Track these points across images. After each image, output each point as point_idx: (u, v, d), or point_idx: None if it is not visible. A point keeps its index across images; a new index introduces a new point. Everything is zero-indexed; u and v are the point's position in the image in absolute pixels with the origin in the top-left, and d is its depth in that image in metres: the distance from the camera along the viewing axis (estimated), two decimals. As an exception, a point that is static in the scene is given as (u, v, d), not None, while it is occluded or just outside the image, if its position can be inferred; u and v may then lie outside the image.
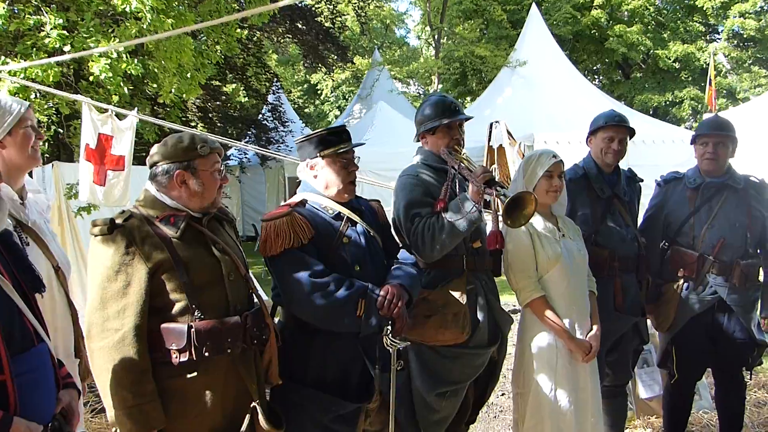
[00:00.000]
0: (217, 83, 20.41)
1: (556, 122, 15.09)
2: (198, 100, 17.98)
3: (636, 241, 4.11)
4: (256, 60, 20.92)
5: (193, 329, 2.61)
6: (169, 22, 9.22)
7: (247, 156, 20.94)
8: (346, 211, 3.14)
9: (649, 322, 4.38)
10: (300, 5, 20.69)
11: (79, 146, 6.22)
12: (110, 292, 2.57)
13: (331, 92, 39.54)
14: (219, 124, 18.77)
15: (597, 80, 30.26)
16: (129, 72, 9.07)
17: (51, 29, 8.59)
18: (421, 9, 23.73)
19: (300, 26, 20.80)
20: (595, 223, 4.05)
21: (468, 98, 24.77)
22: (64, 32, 8.68)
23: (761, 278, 4.27)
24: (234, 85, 22.06)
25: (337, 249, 3.06)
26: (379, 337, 2.97)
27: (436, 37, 22.49)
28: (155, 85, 11.01)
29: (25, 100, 8.24)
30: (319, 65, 22.60)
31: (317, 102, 41.37)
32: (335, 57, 22.31)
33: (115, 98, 9.12)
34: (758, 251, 4.21)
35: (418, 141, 3.74)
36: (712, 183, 4.19)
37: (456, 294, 3.40)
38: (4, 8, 8.40)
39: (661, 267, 4.31)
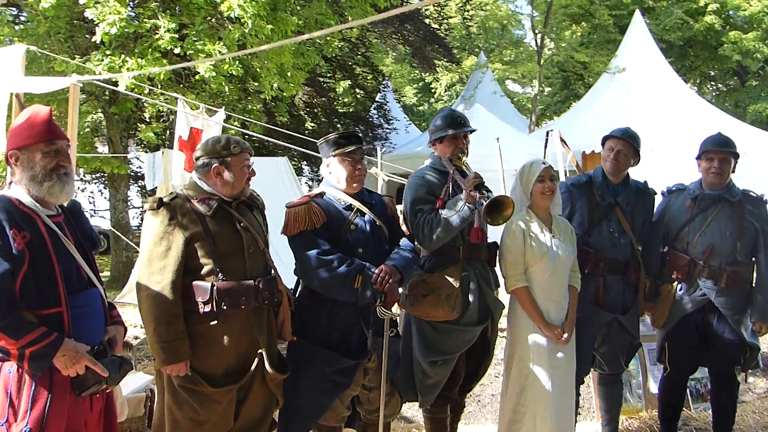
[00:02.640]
0: (327, 80, 21.45)
1: (650, 131, 15.14)
2: (305, 96, 19.02)
3: (630, 247, 4.57)
4: (364, 59, 21.83)
5: (215, 287, 3.37)
6: (269, 27, 10.09)
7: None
8: (356, 203, 3.82)
9: (648, 320, 4.83)
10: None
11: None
12: (155, 253, 3.36)
13: (445, 91, 40.16)
14: (323, 119, 19.74)
15: (712, 87, 29.57)
16: (230, 72, 9.99)
17: (164, 32, 9.59)
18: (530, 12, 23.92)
19: (408, 27, 21.51)
20: (589, 227, 4.56)
21: (573, 103, 24.84)
22: (175, 35, 9.68)
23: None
24: (343, 83, 23.07)
25: (345, 234, 3.75)
26: (373, 308, 3.64)
27: (539, 41, 22.68)
28: (257, 84, 12.03)
29: (139, 94, 9.36)
30: (426, 66, 23.21)
31: (432, 100, 42.04)
32: (442, 58, 22.92)
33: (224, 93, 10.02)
34: (752, 259, 4.60)
35: (431, 147, 4.36)
36: (708, 195, 4.60)
37: (451, 279, 4.02)
38: (126, 13, 9.46)
39: (660, 269, 4.76)
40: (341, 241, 3.73)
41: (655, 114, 15.86)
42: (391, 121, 22.28)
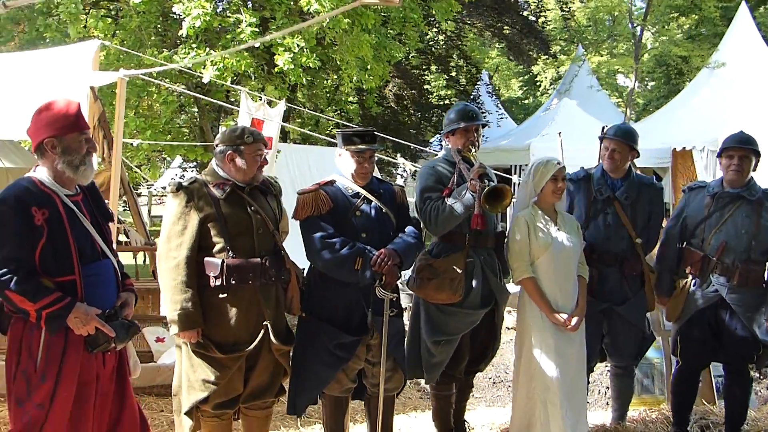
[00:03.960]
0: (422, 73, 21.74)
1: (749, 127, 14.66)
2: (395, 88, 19.38)
3: (628, 240, 4.67)
4: (459, 52, 21.99)
5: (225, 263, 3.75)
6: (346, 21, 10.47)
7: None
8: (363, 192, 4.12)
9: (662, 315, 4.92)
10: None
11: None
12: (173, 231, 3.76)
13: (550, 84, 39.73)
14: (413, 111, 20.05)
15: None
16: (307, 65, 10.43)
17: (246, 26, 10.11)
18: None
19: (506, 19, 21.51)
20: (586, 220, 4.70)
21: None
22: (257, 30, 10.18)
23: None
24: (438, 76, 23.33)
25: (350, 219, 4.06)
26: (372, 288, 3.94)
27: (638, 34, 22.21)
28: (336, 77, 12.45)
29: (222, 84, 9.92)
30: (522, 59, 23.15)
31: (537, 93, 41.68)
32: (539, 51, 22.79)
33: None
34: None
35: (445, 139, 4.60)
36: (727, 193, 4.65)
37: (455, 264, 4.26)
38: (210, 8, 10.03)
39: (677, 264, 4.84)
40: (347, 225, 4.05)
41: (755, 110, 15.33)
42: (485, 115, 22.32)
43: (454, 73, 22.72)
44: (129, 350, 3.57)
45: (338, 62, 11.64)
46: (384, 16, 12.97)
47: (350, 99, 18.51)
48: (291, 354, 4.11)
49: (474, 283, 4.29)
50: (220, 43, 10.61)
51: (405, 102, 20.22)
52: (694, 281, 4.73)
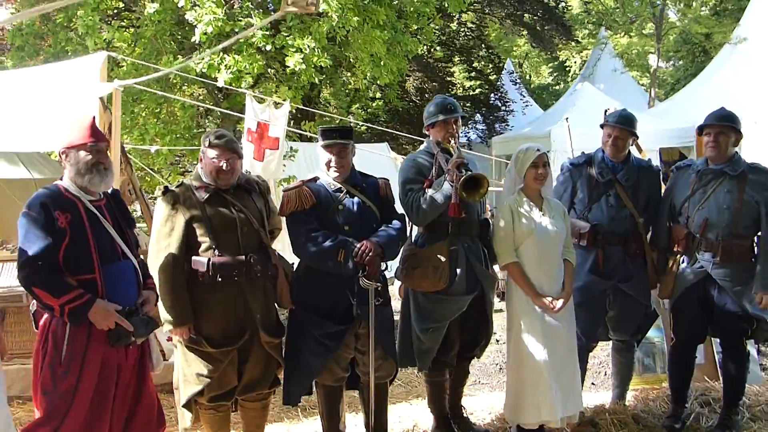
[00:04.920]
0: (445, 65, 21.80)
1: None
2: (417, 81, 19.47)
3: (630, 220, 4.76)
4: (480, 42, 22.01)
5: (211, 261, 3.92)
6: (355, 19, 10.59)
7: (468, 137, 22.11)
8: (345, 186, 4.25)
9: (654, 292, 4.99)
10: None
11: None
12: (162, 233, 3.95)
13: (579, 69, 39.44)
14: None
15: None
16: (319, 65, 10.58)
17: (257, 29, 10.26)
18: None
19: (527, 7, 21.46)
20: (589, 202, 4.79)
21: (702, 76, 23.88)
22: (267, 32, 10.35)
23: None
24: (461, 67, 23.36)
25: (333, 214, 4.20)
26: (356, 279, 4.07)
27: (658, 14, 21.91)
28: (349, 74, 12.58)
29: (238, 87, 10.12)
30: (543, 46, 23.07)
31: (567, 79, 41.40)
32: (561, 37, 22.70)
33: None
34: (757, 232, 4.66)
35: (426, 132, 4.71)
36: (709, 170, 4.70)
37: (439, 252, 4.38)
38: (223, 12, 10.22)
39: (667, 242, 4.91)
40: (330, 219, 4.19)
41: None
42: (508, 103, 22.34)
43: (476, 64, 22.72)
44: (152, 345, 3.80)
45: (351, 60, 11.75)
46: (398, 11, 13.03)
47: (376, 95, 18.66)
48: (283, 346, 4.27)
49: (458, 270, 4.40)
50: (234, 47, 10.78)
51: (427, 95, 20.28)
52: (683, 259, 4.79)
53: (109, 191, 3.78)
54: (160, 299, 3.89)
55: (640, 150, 7.67)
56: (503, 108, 22.56)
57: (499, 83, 23.12)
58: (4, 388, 3.26)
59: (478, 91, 23.31)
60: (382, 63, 12.06)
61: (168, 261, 3.90)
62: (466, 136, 22.90)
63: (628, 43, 24.40)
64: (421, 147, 4.73)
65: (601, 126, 4.93)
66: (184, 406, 4.09)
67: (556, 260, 4.48)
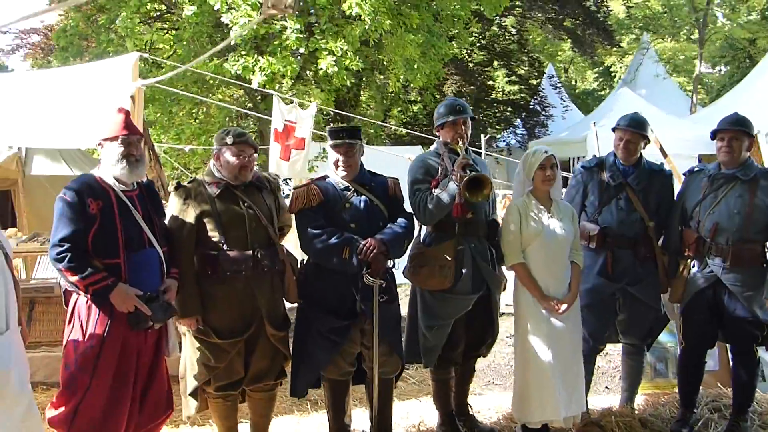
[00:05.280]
0: (483, 68, 21.81)
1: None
2: (455, 85, 19.51)
3: (641, 223, 4.77)
4: (519, 47, 21.96)
5: (220, 256, 4.05)
6: (388, 23, 10.72)
7: (508, 141, 22.10)
8: (353, 185, 4.36)
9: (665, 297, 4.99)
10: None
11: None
12: (174, 227, 4.08)
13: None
14: (471, 108, 20.06)
15: None
16: (351, 67, 10.73)
17: (291, 32, 10.47)
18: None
19: (568, 11, 21.37)
20: (600, 205, 4.82)
21: (749, 82, 23.50)
22: (301, 35, 10.54)
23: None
24: (502, 72, 23.34)
25: (340, 211, 4.30)
26: (360, 275, 4.17)
27: (702, 19, 21.66)
28: (382, 77, 12.71)
29: (272, 90, 10.31)
30: (584, 50, 22.94)
31: (612, 84, 41.07)
32: (602, 42, 22.55)
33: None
34: None
35: (436, 132, 4.79)
36: (721, 174, 4.70)
37: (446, 252, 4.45)
38: (256, 16, 10.42)
39: (679, 246, 4.91)
40: (337, 217, 4.29)
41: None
42: (547, 108, 22.27)
43: (517, 69, 22.68)
44: (170, 331, 4.00)
45: (385, 63, 11.89)
46: (434, 14, 13.14)
47: (417, 99, 18.77)
48: (292, 340, 4.39)
49: (464, 270, 4.46)
50: (268, 49, 11.00)
51: (464, 99, 20.31)
52: (693, 263, 4.79)
53: (144, 182, 4.03)
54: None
55: (664, 155, 7.65)
56: (543, 113, 22.49)
57: (539, 88, 23.04)
58: (27, 371, 3.43)
59: (518, 96, 23.25)
60: (415, 66, 12.19)
61: (179, 254, 4.04)
62: (505, 141, 22.92)
63: (671, 48, 24.17)
64: (431, 148, 4.80)
65: (613, 130, 4.95)
66: (190, 394, 4.22)
67: (563, 262, 4.52)
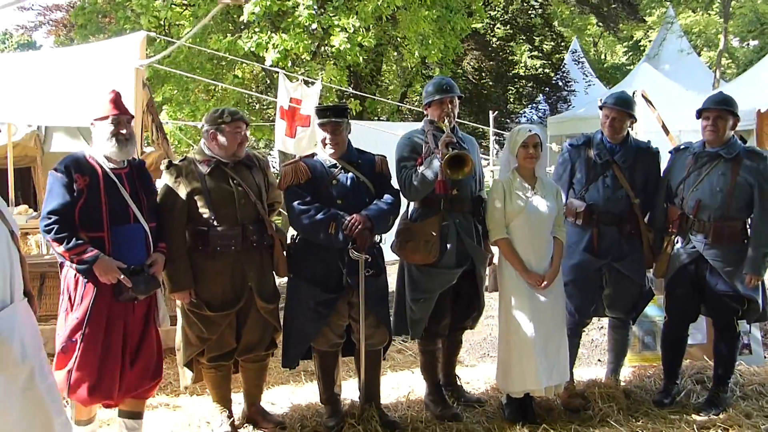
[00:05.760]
0: (505, 44, 21.73)
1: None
2: (474, 60, 19.47)
3: (626, 200, 4.86)
4: (542, 21, 21.83)
5: (210, 231, 4.22)
6: (400, -1, 10.75)
7: (529, 118, 22.04)
8: (340, 163, 4.49)
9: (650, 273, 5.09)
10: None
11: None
12: (165, 204, 4.26)
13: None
14: (491, 83, 20.08)
15: None
16: (363, 44, 10.80)
17: (303, 9, 10.56)
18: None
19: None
20: (587, 183, 4.91)
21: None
22: (313, 11, 10.62)
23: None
24: (524, 46, 23.22)
25: (327, 188, 4.44)
26: (346, 250, 4.32)
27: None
28: (395, 53, 12.77)
29: (283, 68, 10.43)
30: (606, 24, 22.73)
31: (641, 58, 40.58)
32: (626, 15, 22.30)
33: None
34: (750, 214, 4.72)
35: (425, 111, 4.91)
36: (705, 152, 4.78)
37: (431, 227, 4.58)
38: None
39: (663, 223, 5.00)
40: (324, 193, 4.43)
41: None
42: (570, 84, 22.14)
43: (541, 45, 22.56)
44: (159, 302, 4.21)
45: (399, 39, 11.94)
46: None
47: (436, 74, 18.75)
48: (283, 312, 4.56)
49: (449, 245, 4.60)
50: (282, 26, 11.11)
51: (484, 74, 20.28)
52: (677, 239, 4.88)
53: (135, 161, 4.19)
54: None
55: (666, 132, 7.69)
56: (566, 88, 22.37)
57: (562, 63, 22.90)
58: (35, 344, 3.57)
59: (540, 71, 23.13)
60: (430, 42, 12.22)
61: (171, 230, 4.21)
62: (528, 117, 22.82)
63: (696, 22, 23.86)
64: (419, 126, 4.92)
65: (600, 108, 5.02)
66: (185, 365, 4.42)
67: (545, 238, 4.64)
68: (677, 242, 4.89)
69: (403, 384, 5.32)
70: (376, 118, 14.69)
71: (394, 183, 4.70)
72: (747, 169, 4.68)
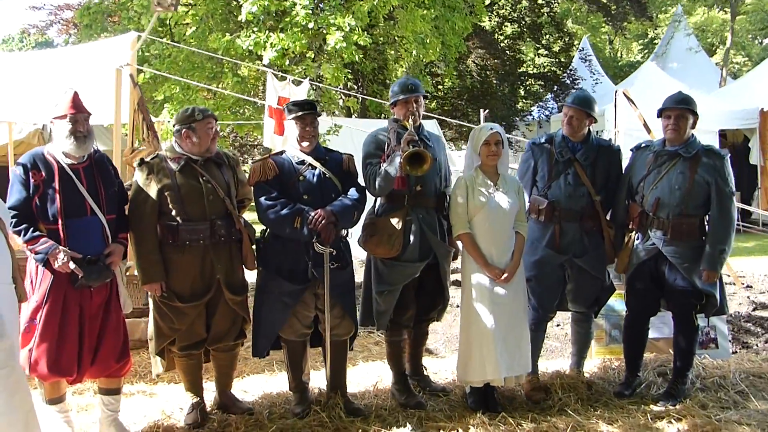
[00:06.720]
0: (513, 42, 21.82)
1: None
2: (479, 58, 19.59)
3: (587, 197, 5.01)
4: (550, 19, 21.89)
5: (180, 226, 4.41)
6: (395, -3, 10.89)
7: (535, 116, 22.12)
8: (308, 159, 4.67)
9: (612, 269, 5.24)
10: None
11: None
12: (138, 200, 4.45)
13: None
14: (495, 82, 20.17)
15: None
16: (359, 42, 10.95)
17: (300, 8, 10.73)
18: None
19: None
20: (549, 180, 5.06)
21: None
22: (310, 11, 10.79)
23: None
24: (532, 45, 23.30)
25: (294, 184, 4.63)
26: (312, 243, 4.51)
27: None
28: (393, 52, 12.91)
29: (281, 68, 10.59)
30: (613, 22, 22.76)
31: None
32: (633, 13, 22.33)
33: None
34: (707, 211, 4.86)
35: (391, 110, 5.08)
36: (665, 151, 4.91)
37: (395, 222, 4.76)
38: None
39: (624, 220, 5.15)
40: (291, 189, 4.62)
41: None
42: (577, 81, 22.18)
43: (549, 44, 22.63)
44: (120, 291, 4.42)
45: (395, 38, 12.09)
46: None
47: (446, 72, 18.89)
48: (252, 304, 4.75)
49: (412, 239, 4.77)
50: (280, 26, 11.29)
51: (488, 72, 20.38)
52: (637, 235, 5.02)
53: (95, 155, 4.39)
54: (135, 259, 4.43)
55: (648, 130, 7.82)
56: (573, 86, 22.42)
57: (566, 61, 22.95)
58: (18, 321, 3.85)
59: (547, 69, 23.20)
60: (427, 41, 12.36)
61: (143, 226, 4.42)
62: (531, 115, 22.90)
63: (707, 20, 23.82)
64: (384, 125, 5.09)
65: (560, 108, 5.18)
66: (157, 354, 4.62)
67: (506, 233, 4.80)
68: (637, 239, 5.03)
69: (372, 373, 5.50)
70: (381, 116, 14.83)
71: (361, 180, 4.88)
72: (705, 168, 4.81)
